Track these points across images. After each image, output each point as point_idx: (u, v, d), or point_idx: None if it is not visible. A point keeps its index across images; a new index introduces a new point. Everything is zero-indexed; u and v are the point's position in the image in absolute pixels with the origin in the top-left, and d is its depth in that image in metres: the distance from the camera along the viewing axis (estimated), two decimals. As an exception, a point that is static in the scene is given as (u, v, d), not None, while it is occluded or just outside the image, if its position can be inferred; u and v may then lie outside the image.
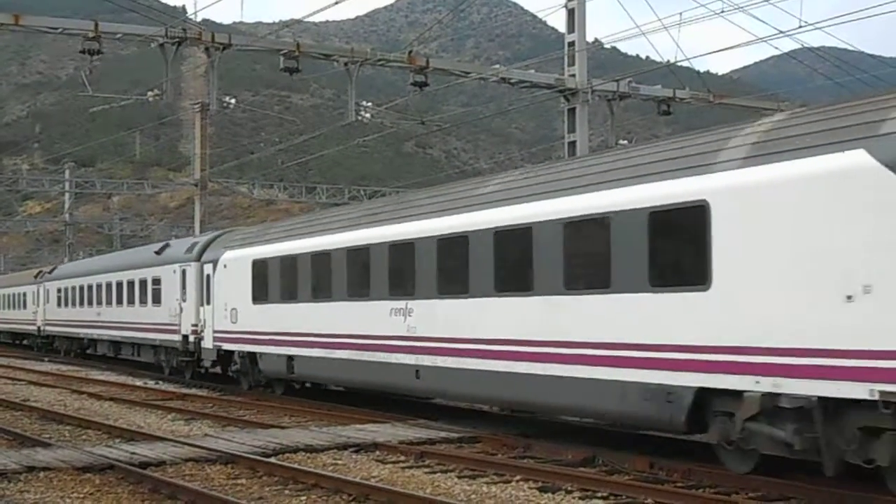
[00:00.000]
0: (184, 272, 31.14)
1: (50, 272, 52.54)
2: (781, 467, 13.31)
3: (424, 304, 19.07)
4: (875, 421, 11.21)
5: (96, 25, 26.67)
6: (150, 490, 13.59)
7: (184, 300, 31.09)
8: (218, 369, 29.96)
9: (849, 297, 11.31)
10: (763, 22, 28.11)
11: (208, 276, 29.23)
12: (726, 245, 12.93)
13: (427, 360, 18.92)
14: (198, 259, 30.29)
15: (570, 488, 13.43)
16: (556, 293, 15.81)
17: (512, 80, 31.75)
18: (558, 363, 15.61)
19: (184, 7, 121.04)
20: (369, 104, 36.53)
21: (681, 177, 13.77)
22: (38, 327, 52.45)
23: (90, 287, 42.47)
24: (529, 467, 14.96)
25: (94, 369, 39.23)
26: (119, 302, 38.26)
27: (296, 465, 15.18)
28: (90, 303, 42.39)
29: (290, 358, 24.30)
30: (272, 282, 25.14)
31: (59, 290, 48.21)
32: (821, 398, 11.65)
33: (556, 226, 15.83)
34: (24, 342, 57.29)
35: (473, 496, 13.21)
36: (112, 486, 14.01)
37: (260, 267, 25.77)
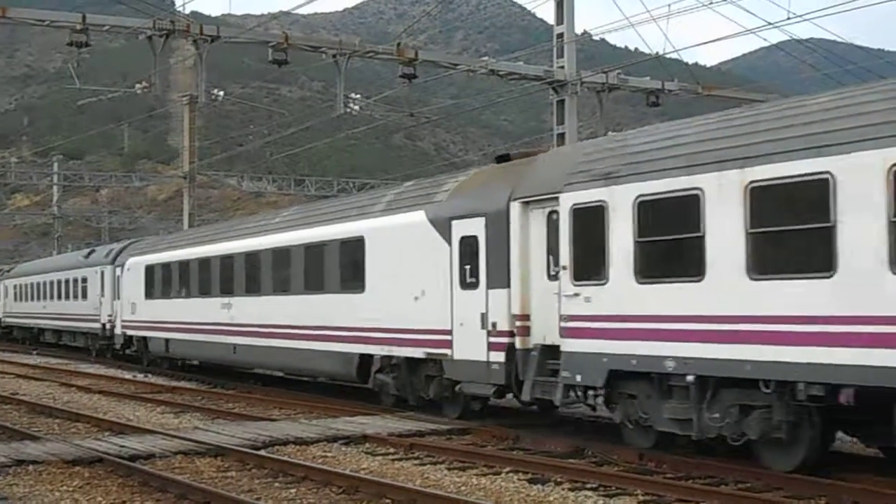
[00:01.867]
0: (102, 273, 38.70)
1: (8, 271, 60.55)
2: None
3: (238, 301, 26.79)
4: (428, 371, 19.25)
5: (84, 18, 26.63)
6: (140, 483, 13.58)
7: (102, 296, 38.57)
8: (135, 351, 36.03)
9: (416, 298, 19.22)
10: (751, 13, 28.16)
11: (118, 276, 36.47)
12: (372, 264, 20.87)
13: (240, 340, 26.58)
14: (112, 263, 37.66)
15: (559, 480, 13.46)
16: (301, 293, 23.55)
17: (501, 73, 31.79)
18: (305, 340, 23.27)
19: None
20: (358, 96, 36.48)
21: (354, 220, 21.94)
22: (0, 319, 59.67)
23: (38, 284, 50.31)
24: (519, 459, 14.99)
25: (83, 362, 39.22)
26: (59, 297, 45.91)
27: (286, 458, 15.20)
28: (38, 298, 50.15)
29: (167, 341, 31.86)
30: (157, 283, 32.60)
31: (15, 287, 56.09)
32: (406, 358, 19.71)
33: (300, 248, 23.68)
34: None
35: (463, 488, 13.23)
36: (101, 479, 14.00)
37: (149, 271, 33.23)
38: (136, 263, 34.49)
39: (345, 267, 21.83)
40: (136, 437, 17.49)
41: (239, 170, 73.12)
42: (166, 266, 31.71)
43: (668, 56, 31.39)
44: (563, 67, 30.14)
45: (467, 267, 17.80)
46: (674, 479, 13.30)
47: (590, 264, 15.02)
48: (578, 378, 15.15)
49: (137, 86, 33.13)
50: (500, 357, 16.89)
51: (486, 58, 33.50)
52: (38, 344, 49.75)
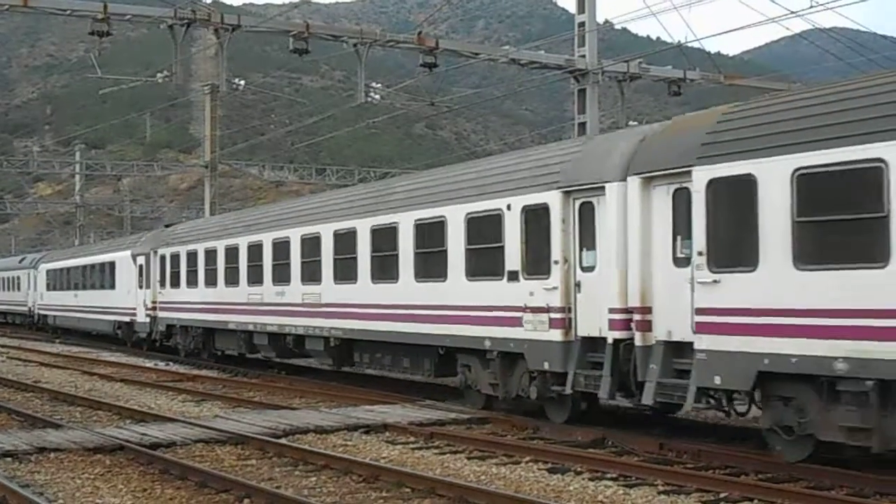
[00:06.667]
0: (28, 273, 59.30)
1: None
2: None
3: (80, 293, 46.40)
4: (131, 328, 38.48)
5: (105, 7, 26.57)
6: (161, 471, 13.65)
7: (28, 288, 59.17)
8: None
9: (128, 292, 38.16)
10: (774, 2, 27.96)
11: (35, 276, 57.30)
12: (118, 276, 40.07)
13: (79, 315, 46.46)
14: (35, 267, 58.12)
15: (579, 469, 13.44)
16: (96, 290, 43.57)
17: (522, 62, 31.64)
18: (97, 314, 43.32)
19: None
20: (379, 85, 36.35)
21: (112, 252, 42.17)
22: None
23: None
24: (539, 448, 14.98)
25: (105, 351, 39.47)
26: (4, 289, 66.45)
27: (306, 447, 15.24)
28: None
29: (55, 317, 52.32)
30: (50, 281, 53.43)
31: None
32: (125, 321, 39.29)
33: (95, 265, 44.15)
34: None
35: (483, 477, 13.23)
36: (122, 466, 14.08)
37: (48, 273, 54.26)
38: (44, 268, 55.72)
39: (107, 277, 41.56)
40: (157, 425, 17.58)
41: (260, 159, 73.32)
42: (54, 270, 53.16)
43: (690, 45, 31.21)
44: (584, 56, 29.98)
45: (141, 278, 36.08)
46: (694, 468, 13.26)
47: (169, 280, 33.43)
48: (162, 327, 34.20)
49: (159, 75, 33.23)
50: (147, 320, 35.26)
51: (507, 47, 33.39)
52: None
